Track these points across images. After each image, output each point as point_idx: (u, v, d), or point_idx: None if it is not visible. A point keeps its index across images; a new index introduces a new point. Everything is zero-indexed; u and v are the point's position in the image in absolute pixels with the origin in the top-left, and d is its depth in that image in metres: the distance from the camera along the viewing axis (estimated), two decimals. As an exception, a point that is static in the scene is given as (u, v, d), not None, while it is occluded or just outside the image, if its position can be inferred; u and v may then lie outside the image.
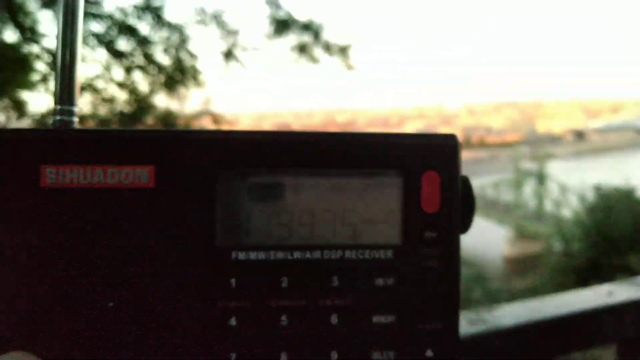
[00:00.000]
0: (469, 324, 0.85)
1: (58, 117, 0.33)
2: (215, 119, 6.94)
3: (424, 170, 0.32)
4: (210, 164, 0.29)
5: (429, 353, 0.32)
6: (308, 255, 0.31)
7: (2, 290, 0.28)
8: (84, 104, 6.44)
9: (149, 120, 6.45)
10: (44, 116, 6.44)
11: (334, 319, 0.31)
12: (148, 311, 0.28)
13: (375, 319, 0.32)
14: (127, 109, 6.21)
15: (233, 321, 0.29)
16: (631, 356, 1.01)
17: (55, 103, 0.35)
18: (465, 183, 0.35)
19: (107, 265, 0.28)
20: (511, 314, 0.90)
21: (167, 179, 0.29)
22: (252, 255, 0.30)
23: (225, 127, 7.90)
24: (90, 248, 0.28)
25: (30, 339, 0.28)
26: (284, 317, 0.30)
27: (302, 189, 0.31)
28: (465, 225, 0.36)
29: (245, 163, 0.30)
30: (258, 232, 0.31)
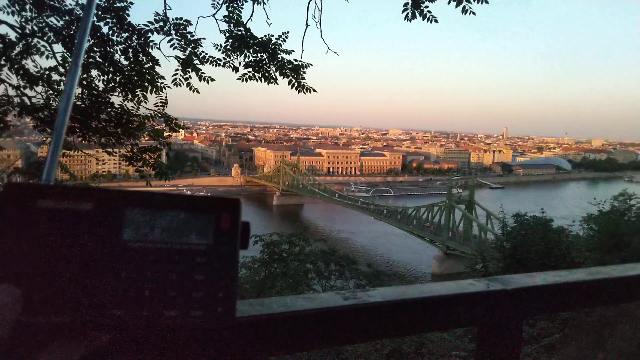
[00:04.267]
0: (343, 299, 0.95)
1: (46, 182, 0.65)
2: (170, 122, 6.75)
3: (224, 212, 0.61)
4: (120, 203, 0.57)
5: (220, 294, 0.59)
6: (165, 245, 0.58)
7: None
8: (38, 94, 6.11)
9: (104, 116, 6.20)
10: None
11: (173, 276, 0.58)
12: (96, 259, 0.56)
13: (195, 277, 0.59)
14: (81, 103, 5.95)
15: (123, 274, 0.56)
16: (487, 337, 1.12)
17: (44, 178, 0.65)
18: (246, 225, 0.63)
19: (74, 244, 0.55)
20: (381, 294, 1.00)
21: (100, 207, 0.57)
22: (137, 245, 0.57)
23: (181, 131, 7.71)
24: (66, 238, 0.55)
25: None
26: (149, 274, 0.57)
27: (164, 215, 0.59)
28: (243, 244, 0.62)
29: (138, 204, 0.58)
30: (141, 234, 0.58)
